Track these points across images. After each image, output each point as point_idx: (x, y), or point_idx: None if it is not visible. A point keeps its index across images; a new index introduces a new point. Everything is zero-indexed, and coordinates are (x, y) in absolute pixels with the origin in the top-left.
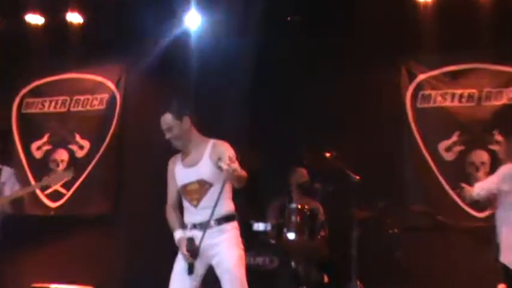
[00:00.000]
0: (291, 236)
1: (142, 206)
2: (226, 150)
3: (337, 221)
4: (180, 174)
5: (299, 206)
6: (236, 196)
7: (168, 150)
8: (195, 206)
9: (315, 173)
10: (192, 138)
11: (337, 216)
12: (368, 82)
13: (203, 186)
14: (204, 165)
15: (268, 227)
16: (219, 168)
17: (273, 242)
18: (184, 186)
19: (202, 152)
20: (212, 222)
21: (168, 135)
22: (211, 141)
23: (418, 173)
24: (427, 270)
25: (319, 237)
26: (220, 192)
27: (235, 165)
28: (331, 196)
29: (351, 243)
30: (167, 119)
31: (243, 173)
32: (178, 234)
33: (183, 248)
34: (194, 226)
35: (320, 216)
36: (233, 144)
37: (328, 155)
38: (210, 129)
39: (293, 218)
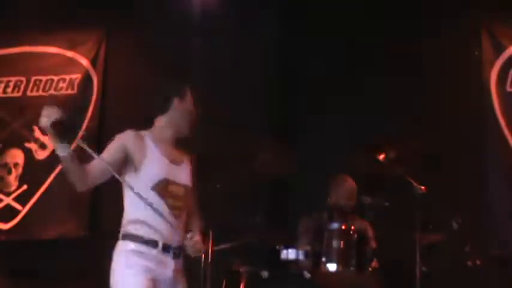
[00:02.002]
0: (332, 267)
1: None
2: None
3: (394, 247)
4: (162, 163)
5: (343, 227)
6: (256, 209)
7: None
8: (176, 216)
9: (364, 183)
10: None
11: (394, 242)
12: (433, 54)
13: (187, 195)
14: (187, 171)
15: (301, 255)
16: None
17: (307, 275)
18: (167, 183)
19: (183, 155)
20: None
21: (192, 117)
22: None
23: (509, 182)
24: None
25: (370, 269)
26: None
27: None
28: (386, 214)
29: (414, 279)
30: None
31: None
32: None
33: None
34: (168, 249)
35: (371, 241)
36: (254, 141)
37: (382, 157)
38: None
39: (335, 243)
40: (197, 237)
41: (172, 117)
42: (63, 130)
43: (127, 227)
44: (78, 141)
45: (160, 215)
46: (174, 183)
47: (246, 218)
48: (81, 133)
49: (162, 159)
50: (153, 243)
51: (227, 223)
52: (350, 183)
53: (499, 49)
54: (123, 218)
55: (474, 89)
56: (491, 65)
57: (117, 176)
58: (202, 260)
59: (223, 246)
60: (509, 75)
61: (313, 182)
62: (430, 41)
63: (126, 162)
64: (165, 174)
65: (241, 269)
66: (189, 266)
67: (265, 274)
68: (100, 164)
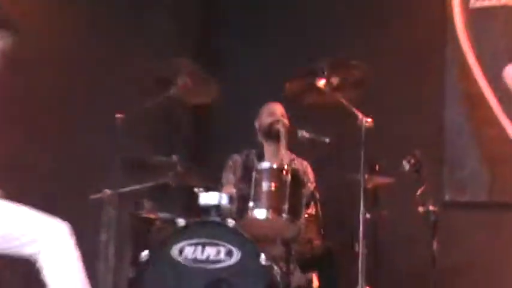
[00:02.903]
0: (261, 213)
1: None
2: None
3: (335, 191)
4: None
5: (274, 166)
6: (172, 145)
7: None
8: None
9: (301, 114)
10: None
11: (335, 184)
12: None
13: None
14: None
15: (224, 200)
16: None
17: (231, 223)
18: None
19: None
20: None
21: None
22: None
23: (470, 112)
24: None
25: (306, 216)
26: None
27: None
28: (328, 152)
29: (356, 227)
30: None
31: None
32: None
33: None
34: None
35: (308, 184)
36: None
37: (322, 83)
38: None
39: (264, 186)
40: None
41: None
42: None
43: None
44: None
45: None
46: None
47: (160, 154)
48: None
49: None
50: None
51: (137, 160)
52: (272, 104)
53: None
54: None
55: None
56: None
57: None
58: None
59: (130, 188)
60: None
61: (242, 115)
62: None
63: None
64: None
65: (153, 215)
66: (90, 212)
67: (181, 222)
68: None
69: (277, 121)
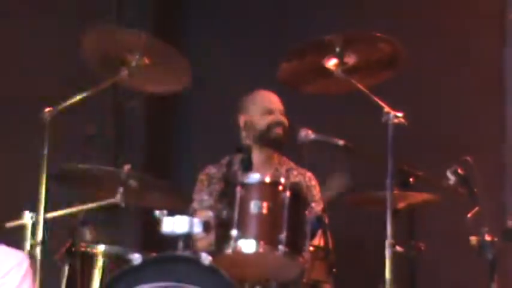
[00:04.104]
0: (249, 246)
1: None
2: None
3: (353, 214)
4: None
5: (267, 179)
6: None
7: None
8: None
9: (302, 107)
10: None
11: (353, 205)
12: None
13: None
14: None
15: (197, 226)
16: None
17: (206, 259)
18: None
19: None
20: None
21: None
22: None
23: None
24: None
25: (311, 249)
26: None
27: None
28: (342, 159)
29: (382, 267)
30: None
31: None
32: None
33: None
34: None
35: (314, 204)
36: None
37: (332, 62)
38: None
39: (253, 207)
40: None
41: None
42: None
43: None
44: None
45: None
46: None
47: (106, 164)
48: None
49: None
50: None
51: (72, 172)
52: (266, 94)
53: None
54: None
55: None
56: None
57: None
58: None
59: (63, 211)
60: None
61: (219, 108)
62: None
63: None
64: None
65: (96, 249)
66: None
67: (136, 258)
68: None
69: (278, 123)
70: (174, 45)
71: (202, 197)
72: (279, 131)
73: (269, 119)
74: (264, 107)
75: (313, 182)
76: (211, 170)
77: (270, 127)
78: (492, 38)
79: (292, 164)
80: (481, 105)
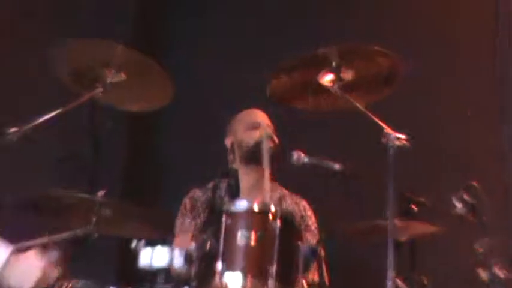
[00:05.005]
0: (235, 280)
1: None
2: None
3: (351, 246)
4: None
5: (256, 206)
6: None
7: None
8: None
9: (294, 126)
10: None
11: (351, 236)
12: None
13: None
14: None
15: (178, 259)
16: None
17: None
18: None
19: None
20: None
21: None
22: None
23: None
24: None
25: (305, 284)
26: None
27: None
28: (338, 185)
29: None
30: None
31: None
32: None
33: None
34: None
35: (308, 234)
36: None
37: (327, 78)
38: None
39: (240, 238)
40: None
41: None
42: None
43: None
44: None
45: None
46: None
47: (77, 190)
48: None
49: None
50: None
51: (40, 199)
52: (250, 110)
53: None
54: None
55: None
56: None
57: None
58: None
59: (28, 243)
60: None
61: (203, 128)
62: None
63: None
64: None
65: (67, 284)
66: None
67: None
68: None
69: (267, 136)
70: (155, 59)
71: (185, 221)
72: (268, 144)
73: (256, 133)
74: (250, 122)
75: (309, 212)
76: (197, 193)
77: (258, 143)
78: (495, 57)
79: (285, 191)
80: (488, 123)
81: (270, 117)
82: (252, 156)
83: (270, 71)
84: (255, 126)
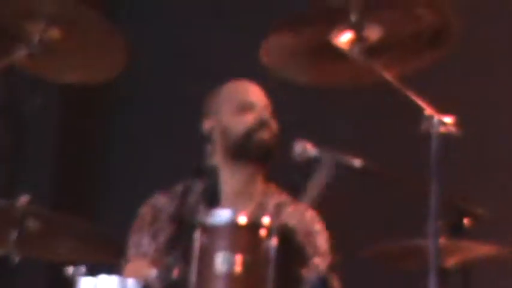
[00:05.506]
0: None
1: None
2: None
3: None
4: None
5: (241, 219)
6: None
7: None
8: None
9: (299, 106)
10: None
11: (377, 259)
12: None
13: None
14: None
15: None
16: None
17: None
18: None
19: None
20: None
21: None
22: None
23: None
24: None
25: None
26: None
27: None
28: (360, 189)
29: None
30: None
31: None
32: None
33: None
34: None
35: (316, 257)
36: None
37: (345, 37)
38: None
39: (220, 262)
40: None
41: None
42: None
43: None
44: None
45: None
46: None
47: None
48: None
49: None
50: None
51: None
52: (242, 84)
53: None
54: None
55: None
56: None
57: None
58: None
59: None
60: None
61: (171, 110)
62: None
63: None
64: None
65: None
66: None
67: None
68: None
69: (262, 124)
70: (103, 9)
71: (142, 239)
72: (263, 135)
73: (248, 118)
74: (241, 102)
75: (318, 226)
76: (160, 200)
77: (249, 131)
78: None
79: (285, 197)
80: None
81: (266, 93)
82: (241, 150)
83: (265, 30)
84: (247, 107)
